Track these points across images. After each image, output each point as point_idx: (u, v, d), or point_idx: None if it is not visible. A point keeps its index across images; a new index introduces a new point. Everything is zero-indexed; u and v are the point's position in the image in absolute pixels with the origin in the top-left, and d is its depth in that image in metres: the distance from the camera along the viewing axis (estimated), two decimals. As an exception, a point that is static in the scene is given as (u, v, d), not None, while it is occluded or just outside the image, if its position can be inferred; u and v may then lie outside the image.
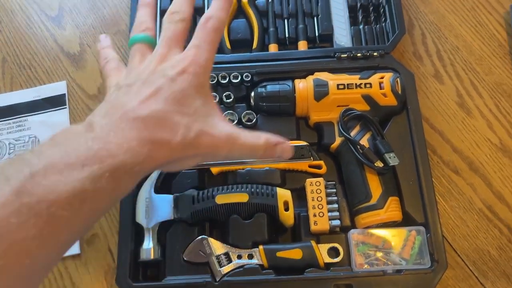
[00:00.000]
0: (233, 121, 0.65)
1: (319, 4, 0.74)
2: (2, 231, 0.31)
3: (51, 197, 0.33)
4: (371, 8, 0.74)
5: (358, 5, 0.74)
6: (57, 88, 0.74)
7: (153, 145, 0.39)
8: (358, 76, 0.65)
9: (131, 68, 0.46)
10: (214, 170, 0.63)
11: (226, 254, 0.59)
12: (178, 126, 0.41)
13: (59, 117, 0.72)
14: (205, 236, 0.60)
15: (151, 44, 0.48)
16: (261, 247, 0.59)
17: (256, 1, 0.75)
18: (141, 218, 0.60)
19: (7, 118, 0.72)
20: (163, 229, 0.61)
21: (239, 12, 0.76)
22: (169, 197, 0.61)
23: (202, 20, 0.47)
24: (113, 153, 0.37)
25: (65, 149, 0.37)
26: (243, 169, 0.63)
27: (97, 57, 0.50)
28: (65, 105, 0.73)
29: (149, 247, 0.59)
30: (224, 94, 0.66)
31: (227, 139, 0.43)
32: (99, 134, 0.38)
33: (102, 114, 0.41)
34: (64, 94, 0.74)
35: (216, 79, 0.66)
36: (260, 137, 0.45)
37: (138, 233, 0.60)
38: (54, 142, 0.38)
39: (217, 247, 0.59)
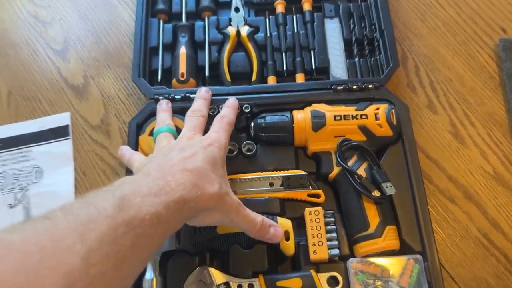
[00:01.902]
0: (233, 151, 0.67)
1: (316, 38, 0.77)
2: (115, 236, 0.37)
3: (140, 215, 0.40)
4: (366, 42, 0.77)
5: (353, 39, 0.77)
6: (61, 119, 0.76)
7: (200, 189, 0.48)
8: (354, 107, 0.67)
9: (161, 147, 0.58)
10: (215, 199, 0.64)
11: (227, 284, 0.59)
12: (214, 181, 0.50)
13: (63, 147, 0.74)
14: (206, 266, 0.60)
15: (174, 134, 0.62)
16: (261, 276, 0.59)
17: (255, 36, 0.78)
18: (142, 248, 0.61)
19: (12, 149, 0.74)
20: (165, 259, 0.62)
21: (239, 46, 0.78)
22: (171, 227, 0.62)
23: (217, 117, 0.62)
24: (175, 189, 0.45)
25: (135, 185, 0.44)
26: (243, 198, 0.64)
27: (121, 158, 0.66)
28: (69, 135, 0.75)
29: (150, 278, 0.59)
30: (225, 125, 0.68)
31: (237, 206, 0.53)
32: (159, 177, 0.46)
33: (154, 168, 0.49)
34: (68, 125, 0.75)
35: (216, 111, 0.68)
36: (258, 215, 0.56)
37: (139, 263, 0.61)
38: (121, 182, 0.45)
39: (218, 276, 0.60)
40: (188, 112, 0.64)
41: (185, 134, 0.59)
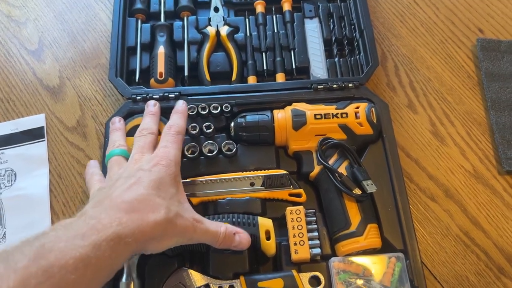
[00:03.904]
0: (213, 151, 0.66)
1: (296, 38, 0.77)
2: None
3: (62, 262, 0.38)
4: (346, 42, 0.77)
5: (333, 39, 0.77)
6: (36, 120, 0.74)
7: (140, 221, 0.46)
8: (335, 106, 0.67)
9: (111, 174, 0.56)
10: (195, 200, 0.63)
11: (207, 286, 0.58)
12: (160, 206, 0.48)
13: (37, 149, 0.72)
14: (185, 268, 0.59)
15: (126, 156, 0.59)
16: (242, 278, 0.58)
17: (234, 35, 0.77)
18: (120, 250, 0.59)
19: (-17, 152, 0.71)
20: (143, 262, 0.60)
21: (219, 45, 0.78)
22: (149, 229, 0.60)
23: (165, 129, 0.59)
24: (107, 225, 0.43)
25: (64, 230, 0.42)
26: (223, 198, 0.63)
27: (84, 175, 0.65)
28: (44, 137, 0.73)
29: (128, 281, 0.58)
30: (204, 125, 0.67)
31: (193, 224, 0.51)
32: (92, 216, 0.45)
33: (91, 206, 0.48)
34: (43, 127, 0.73)
35: (196, 110, 0.67)
36: (221, 225, 0.54)
37: (116, 266, 0.59)
38: (53, 228, 0.43)
39: (198, 279, 0.58)
40: (136, 133, 0.61)
41: (133, 157, 0.56)
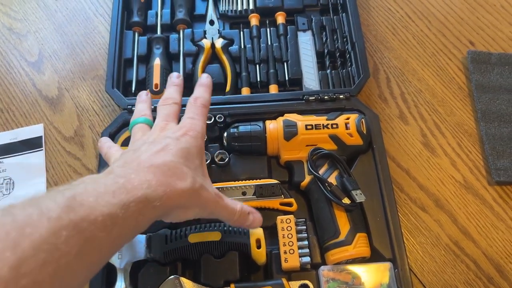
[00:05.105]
0: (206, 160, 0.67)
1: (289, 50, 0.78)
2: (55, 241, 0.33)
3: (92, 217, 0.37)
4: (338, 54, 0.78)
5: (326, 51, 0.79)
6: (34, 130, 0.76)
7: (168, 187, 0.45)
8: (325, 117, 0.68)
9: (135, 140, 0.55)
10: (187, 209, 0.64)
11: (198, 293, 0.59)
12: (186, 175, 0.47)
13: (35, 159, 0.73)
14: (177, 276, 0.60)
15: (150, 125, 0.57)
16: (232, 285, 0.59)
17: (229, 48, 0.79)
18: (113, 258, 0.60)
19: (-18, 161, 0.73)
20: (136, 269, 0.61)
21: (213, 57, 0.79)
22: (142, 237, 0.61)
23: (191, 100, 0.57)
24: (137, 187, 0.42)
25: (94, 184, 0.41)
26: (215, 208, 0.64)
27: (98, 149, 0.64)
28: (42, 147, 0.74)
29: (121, 287, 0.59)
30: (198, 135, 0.68)
31: (215, 198, 0.51)
32: (121, 174, 0.44)
33: (118, 165, 0.46)
34: (41, 137, 0.75)
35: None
36: (237, 203, 0.54)
37: (110, 273, 0.60)
38: (81, 181, 0.42)
39: (189, 286, 0.59)
40: (160, 102, 0.58)
41: (157, 125, 0.54)
